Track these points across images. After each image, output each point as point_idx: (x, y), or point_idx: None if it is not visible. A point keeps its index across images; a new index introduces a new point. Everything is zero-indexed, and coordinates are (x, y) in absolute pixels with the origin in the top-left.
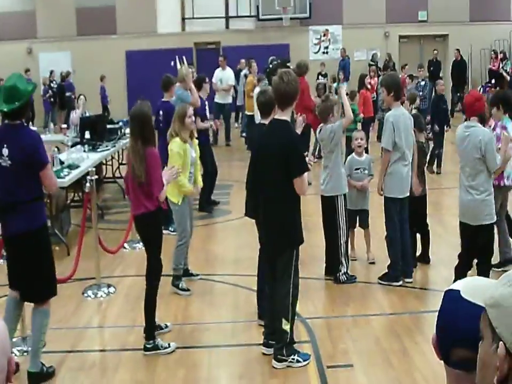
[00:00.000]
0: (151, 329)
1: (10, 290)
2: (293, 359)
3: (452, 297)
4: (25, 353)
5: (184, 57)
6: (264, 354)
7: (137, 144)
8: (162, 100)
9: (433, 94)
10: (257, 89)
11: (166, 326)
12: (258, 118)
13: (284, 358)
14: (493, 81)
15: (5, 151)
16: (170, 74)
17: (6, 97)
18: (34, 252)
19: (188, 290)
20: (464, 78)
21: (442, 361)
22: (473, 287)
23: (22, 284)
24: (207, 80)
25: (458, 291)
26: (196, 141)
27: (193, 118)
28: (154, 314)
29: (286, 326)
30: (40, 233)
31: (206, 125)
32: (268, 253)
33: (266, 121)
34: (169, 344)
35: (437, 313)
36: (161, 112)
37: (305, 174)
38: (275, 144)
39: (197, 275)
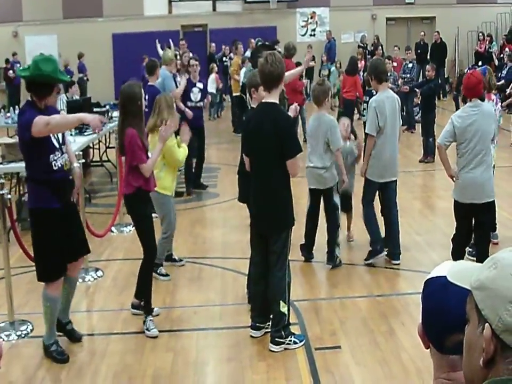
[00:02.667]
0: (150, 304)
1: None
2: (290, 340)
3: (438, 283)
4: (12, 339)
5: (170, 40)
6: (252, 337)
7: (120, 121)
8: (148, 84)
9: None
10: (243, 71)
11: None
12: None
13: (281, 340)
14: (480, 63)
15: None
16: (155, 58)
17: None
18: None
19: (167, 275)
20: (443, 60)
21: (428, 350)
22: (459, 271)
23: None
24: (192, 62)
25: (445, 277)
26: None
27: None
28: (151, 290)
29: (283, 308)
30: (33, 213)
31: (189, 113)
32: (264, 235)
33: (254, 105)
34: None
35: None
36: (146, 97)
37: (298, 155)
38: (268, 127)
39: (180, 260)
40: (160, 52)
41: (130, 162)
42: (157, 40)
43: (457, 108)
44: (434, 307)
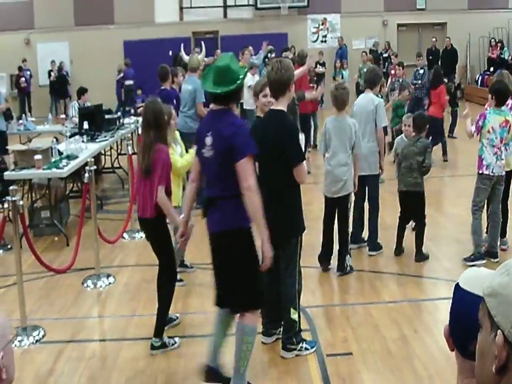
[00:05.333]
0: (161, 327)
1: None
2: (301, 347)
3: (466, 292)
4: (24, 344)
5: (202, 43)
6: (263, 343)
7: (151, 136)
8: (161, 88)
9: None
10: (249, 76)
11: (177, 318)
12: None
13: (293, 347)
14: (492, 69)
15: (208, 140)
16: (166, 65)
17: (217, 79)
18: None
19: (182, 280)
20: (454, 66)
21: (453, 352)
22: (471, 278)
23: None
24: None
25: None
26: (177, 134)
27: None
28: (168, 313)
29: (294, 315)
30: (236, 234)
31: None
32: (274, 242)
33: (259, 113)
34: (174, 340)
35: (436, 302)
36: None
37: (304, 162)
38: (273, 135)
39: (192, 267)
40: (186, 57)
41: (159, 181)
42: (182, 45)
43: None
44: (462, 311)
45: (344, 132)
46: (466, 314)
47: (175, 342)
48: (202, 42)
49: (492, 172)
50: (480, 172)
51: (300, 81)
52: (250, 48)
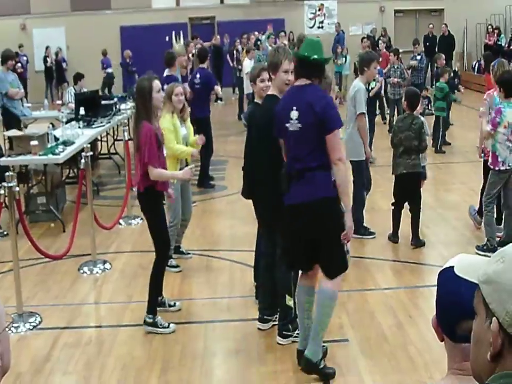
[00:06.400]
0: (152, 303)
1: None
2: (298, 333)
3: (449, 276)
4: (21, 331)
5: (181, 32)
6: (259, 329)
7: (135, 116)
8: (166, 75)
9: (429, 68)
10: (246, 61)
11: (174, 305)
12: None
13: (289, 333)
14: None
15: (295, 114)
16: (172, 50)
17: (306, 47)
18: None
19: (178, 267)
20: (451, 53)
21: (442, 343)
22: (467, 265)
23: (308, 256)
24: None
25: (453, 268)
26: (189, 120)
27: (181, 97)
28: (158, 290)
29: (289, 302)
30: (325, 203)
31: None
32: (265, 228)
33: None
34: (168, 325)
35: (432, 288)
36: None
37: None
38: (262, 121)
39: (188, 253)
40: (175, 45)
41: (143, 158)
42: (173, 33)
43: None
44: (447, 294)
45: None
46: (455, 299)
47: (167, 327)
48: (181, 32)
49: (509, 165)
50: (497, 168)
51: None
52: (252, 37)
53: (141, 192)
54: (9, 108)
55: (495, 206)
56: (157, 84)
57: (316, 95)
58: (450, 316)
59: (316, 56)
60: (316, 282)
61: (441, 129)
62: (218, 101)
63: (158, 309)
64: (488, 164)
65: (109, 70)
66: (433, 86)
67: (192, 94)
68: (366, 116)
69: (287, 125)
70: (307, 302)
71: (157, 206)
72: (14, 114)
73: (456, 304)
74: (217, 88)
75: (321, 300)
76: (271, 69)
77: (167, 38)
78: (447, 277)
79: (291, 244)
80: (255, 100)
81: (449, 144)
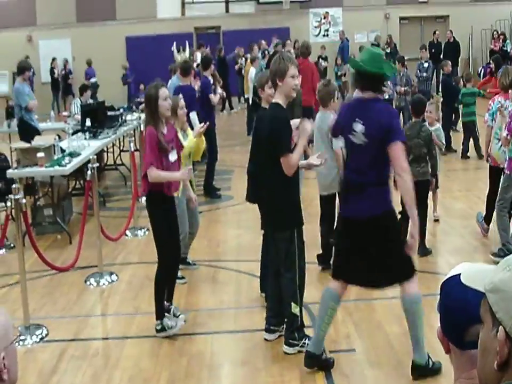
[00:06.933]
0: (158, 310)
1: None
2: (304, 343)
3: (455, 281)
4: (27, 343)
5: (187, 43)
6: (266, 340)
7: (144, 122)
8: (182, 84)
9: (435, 75)
10: (251, 70)
11: (178, 316)
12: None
13: (295, 342)
14: None
15: (360, 127)
16: (188, 59)
17: (368, 59)
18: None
19: (183, 278)
20: (456, 59)
21: (445, 355)
22: (473, 274)
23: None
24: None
25: (459, 276)
26: (190, 131)
27: (185, 109)
28: (160, 296)
29: (295, 310)
30: (387, 217)
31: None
32: (268, 235)
33: (264, 105)
34: (176, 323)
35: (438, 297)
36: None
37: (294, 154)
38: (265, 127)
39: (194, 264)
40: (177, 56)
41: (146, 162)
42: (174, 43)
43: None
44: (453, 301)
45: (322, 127)
46: (462, 305)
47: (175, 325)
48: (187, 42)
49: None
50: (509, 172)
51: (311, 76)
52: (256, 47)
53: (146, 194)
54: (28, 120)
55: (507, 212)
56: (163, 91)
57: (383, 110)
58: (458, 323)
59: (380, 71)
60: (344, 293)
61: (477, 132)
62: (224, 111)
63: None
64: (504, 168)
65: (93, 80)
66: (439, 93)
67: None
68: None
69: (350, 136)
70: (332, 308)
71: (158, 210)
72: (32, 127)
73: (463, 310)
74: (212, 96)
75: (409, 308)
76: (278, 75)
77: (172, 48)
78: (453, 285)
79: (348, 257)
80: (263, 105)
81: (455, 151)
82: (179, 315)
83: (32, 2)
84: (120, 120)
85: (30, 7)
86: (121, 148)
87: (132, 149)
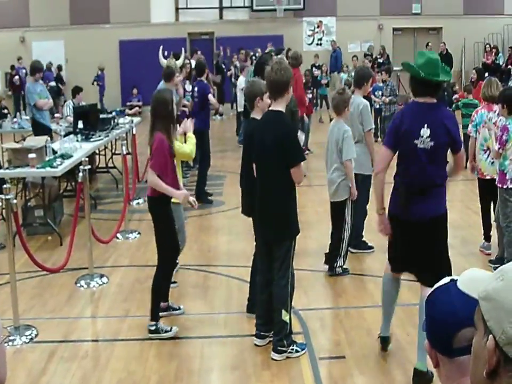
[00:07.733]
0: (153, 311)
1: (393, 272)
2: (292, 349)
3: (440, 290)
4: (17, 344)
5: (183, 49)
6: (256, 345)
7: (151, 125)
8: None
9: None
10: (241, 79)
11: (179, 308)
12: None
13: (283, 349)
14: (486, 74)
15: (426, 132)
16: (202, 60)
17: (424, 64)
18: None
19: (175, 282)
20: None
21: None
22: (469, 280)
23: (418, 267)
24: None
25: (443, 286)
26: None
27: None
28: (162, 297)
29: (285, 317)
30: (444, 217)
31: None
32: (267, 244)
33: (256, 115)
34: (170, 328)
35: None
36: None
37: (302, 163)
38: (271, 136)
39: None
40: (163, 61)
41: (151, 166)
42: (160, 48)
43: None
44: (438, 309)
45: (333, 136)
46: (448, 309)
47: (170, 330)
48: (183, 49)
49: None
50: (505, 186)
51: (294, 85)
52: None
53: (149, 196)
54: (39, 119)
55: None
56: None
57: (448, 115)
58: (445, 329)
59: (436, 78)
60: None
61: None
62: (217, 116)
63: (161, 314)
64: (496, 182)
65: (51, 84)
66: None
67: (192, 106)
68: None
69: (416, 141)
70: (397, 293)
71: (164, 213)
72: (43, 125)
73: (450, 314)
74: (211, 96)
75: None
76: (284, 86)
77: (165, 53)
78: (437, 294)
79: (406, 254)
80: (252, 116)
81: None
82: (178, 307)
83: (26, 3)
84: (112, 123)
85: (24, 8)
86: (113, 151)
87: (124, 152)
